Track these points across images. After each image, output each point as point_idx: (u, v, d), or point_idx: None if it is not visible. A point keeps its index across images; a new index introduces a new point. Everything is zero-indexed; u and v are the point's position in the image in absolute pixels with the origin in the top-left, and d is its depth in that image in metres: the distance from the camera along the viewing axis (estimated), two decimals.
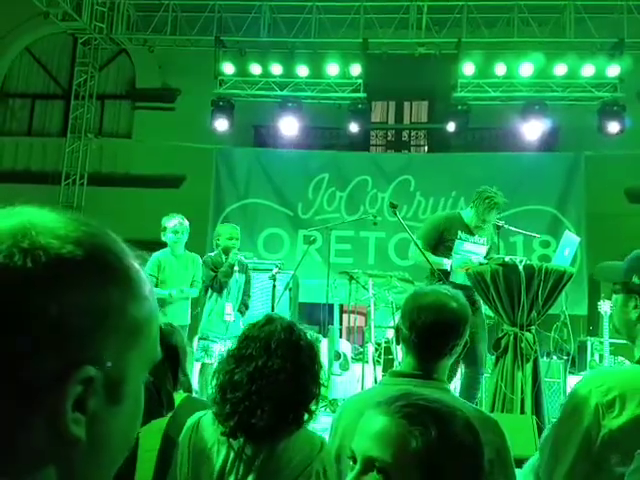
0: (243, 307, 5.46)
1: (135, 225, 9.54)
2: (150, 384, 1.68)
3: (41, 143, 10.69)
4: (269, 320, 1.69)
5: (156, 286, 5.15)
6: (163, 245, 5.55)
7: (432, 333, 1.69)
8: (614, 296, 1.59)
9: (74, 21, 9.36)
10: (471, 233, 4.63)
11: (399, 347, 1.82)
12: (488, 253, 4.62)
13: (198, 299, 5.57)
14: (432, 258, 4.37)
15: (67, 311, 0.50)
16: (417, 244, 4.36)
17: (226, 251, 5.33)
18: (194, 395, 2.56)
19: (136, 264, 0.59)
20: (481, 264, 4.06)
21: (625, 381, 1.46)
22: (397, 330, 1.79)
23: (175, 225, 5.30)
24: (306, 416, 1.63)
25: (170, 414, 2.03)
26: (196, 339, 5.45)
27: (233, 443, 1.60)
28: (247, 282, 5.55)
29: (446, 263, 4.45)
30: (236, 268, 5.32)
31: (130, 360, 0.55)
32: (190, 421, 1.73)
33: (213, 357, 5.25)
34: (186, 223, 5.36)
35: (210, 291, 5.32)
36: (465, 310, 1.75)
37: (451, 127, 8.84)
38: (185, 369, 2.44)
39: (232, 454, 1.59)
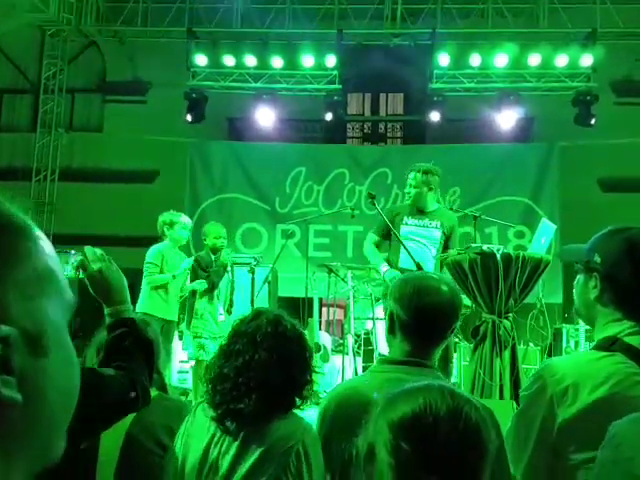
0: (229, 306, 5.53)
1: (109, 221, 9.41)
2: (125, 377, 1.61)
3: (10, 138, 10.43)
4: (256, 315, 1.75)
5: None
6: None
7: (435, 315, 1.68)
8: (577, 277, 1.58)
9: (42, 13, 9.13)
10: (420, 215, 4.60)
11: (388, 338, 1.78)
12: (448, 240, 4.58)
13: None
14: (374, 258, 4.66)
15: None
16: (397, 237, 4.33)
17: (214, 250, 5.38)
18: (168, 396, 2.49)
19: (20, 214, 0.55)
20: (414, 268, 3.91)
21: (578, 369, 1.45)
22: (390, 316, 1.74)
23: (186, 222, 5.43)
24: (298, 401, 1.71)
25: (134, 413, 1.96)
26: (188, 338, 5.46)
27: (220, 426, 1.69)
28: (232, 281, 5.62)
29: (381, 270, 4.51)
30: (228, 269, 5.42)
31: (44, 309, 0.53)
32: (191, 409, 1.82)
33: (210, 354, 5.26)
34: (190, 221, 5.58)
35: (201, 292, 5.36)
36: (458, 292, 1.77)
37: (435, 117, 8.83)
38: (158, 367, 2.37)
39: (219, 432, 1.68)
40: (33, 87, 10.67)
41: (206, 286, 5.31)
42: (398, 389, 1.05)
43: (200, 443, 1.68)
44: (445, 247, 4.56)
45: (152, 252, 5.27)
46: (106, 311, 1.72)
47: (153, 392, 2.13)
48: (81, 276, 1.70)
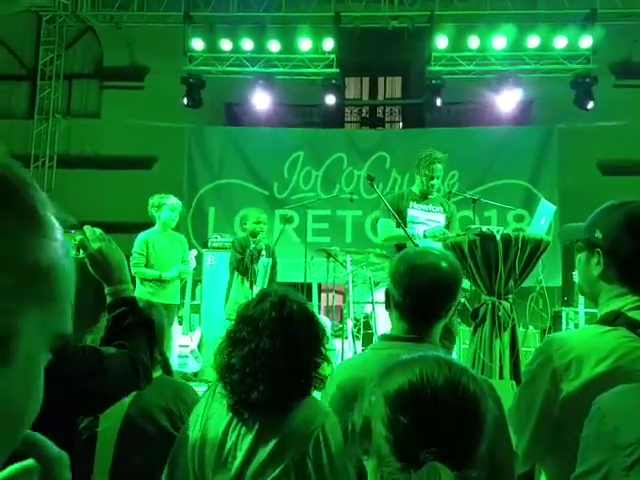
0: None
1: (107, 208, 9.38)
2: (126, 355, 1.62)
3: (7, 125, 10.37)
4: (262, 297, 1.72)
5: (145, 266, 5.17)
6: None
7: (428, 295, 1.64)
8: (578, 255, 1.57)
9: None
10: (424, 201, 4.74)
11: (389, 313, 1.77)
12: (448, 225, 4.68)
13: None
14: (403, 232, 4.33)
15: None
16: (397, 218, 4.31)
17: (253, 234, 5.49)
18: (170, 377, 2.49)
19: (43, 196, 0.48)
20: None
21: (582, 342, 1.44)
22: (387, 295, 1.73)
23: (173, 203, 5.40)
24: (311, 385, 1.68)
25: (135, 393, 1.96)
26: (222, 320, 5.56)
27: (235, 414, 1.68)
28: (273, 267, 5.69)
29: (418, 232, 4.46)
30: (263, 252, 5.46)
31: (25, 314, 0.46)
32: (208, 390, 1.79)
33: None
34: (179, 202, 5.53)
35: (236, 273, 5.49)
36: (458, 270, 1.72)
37: (434, 100, 8.78)
38: (162, 348, 2.38)
39: (235, 419, 1.66)
40: (30, 73, 10.60)
41: (189, 272, 5.43)
42: (393, 361, 1.03)
43: (218, 428, 1.66)
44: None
45: (137, 241, 5.28)
46: (106, 290, 1.73)
47: (155, 373, 2.14)
48: (81, 255, 1.70)
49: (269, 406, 1.62)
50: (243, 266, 5.40)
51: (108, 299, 1.72)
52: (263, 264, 5.53)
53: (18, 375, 0.47)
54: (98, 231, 1.72)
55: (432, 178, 4.70)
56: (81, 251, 1.70)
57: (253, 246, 5.42)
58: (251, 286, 5.44)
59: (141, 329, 1.73)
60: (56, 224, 0.49)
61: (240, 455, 1.61)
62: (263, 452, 1.60)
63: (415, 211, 4.69)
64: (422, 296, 1.65)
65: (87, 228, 1.71)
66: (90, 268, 1.70)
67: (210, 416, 1.70)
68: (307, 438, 1.59)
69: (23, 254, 0.46)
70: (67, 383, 1.34)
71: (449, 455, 0.90)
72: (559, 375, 1.41)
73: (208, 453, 1.64)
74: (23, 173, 0.49)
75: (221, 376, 1.69)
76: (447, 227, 4.69)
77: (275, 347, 1.62)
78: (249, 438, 1.62)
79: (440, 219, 4.69)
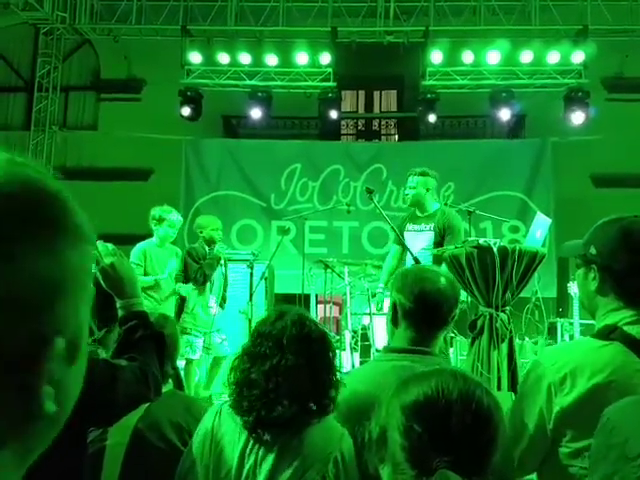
0: (222, 301, 5.41)
1: (103, 220, 9.38)
2: (136, 368, 1.64)
3: (4, 137, 10.38)
4: (280, 315, 1.72)
5: (143, 275, 5.13)
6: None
7: (437, 300, 1.74)
8: (577, 271, 1.61)
9: (36, 11, 9.09)
10: (417, 220, 4.83)
11: (390, 329, 1.82)
12: (442, 238, 4.67)
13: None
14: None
15: (25, 283, 0.44)
16: (396, 231, 4.49)
17: (210, 242, 5.27)
18: (180, 392, 2.50)
19: (76, 206, 0.52)
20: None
21: (577, 356, 1.46)
22: (394, 306, 1.78)
23: (174, 219, 5.29)
24: (329, 405, 1.65)
25: (145, 405, 1.98)
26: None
27: (252, 434, 1.64)
28: (225, 276, 5.51)
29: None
30: (222, 262, 5.31)
31: (83, 315, 0.51)
32: (213, 410, 1.76)
33: (197, 352, 5.18)
34: (180, 219, 5.42)
35: (192, 284, 5.24)
36: (455, 282, 1.86)
37: (432, 118, 8.88)
38: (175, 362, 2.39)
39: (252, 439, 1.63)
40: (27, 85, 10.65)
41: (192, 291, 5.22)
42: (410, 374, 1.07)
43: (234, 450, 1.63)
44: (442, 244, 4.62)
45: (135, 251, 5.18)
46: (118, 304, 1.76)
47: (167, 387, 2.16)
48: (93, 270, 1.73)
49: (290, 424, 1.60)
50: (201, 276, 5.18)
51: (120, 313, 1.75)
52: (222, 273, 5.39)
53: (77, 372, 0.52)
54: (110, 246, 1.76)
55: (406, 189, 4.86)
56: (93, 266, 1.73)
57: (210, 254, 5.23)
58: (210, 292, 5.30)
59: (152, 342, 1.76)
60: (91, 231, 0.53)
61: (262, 476, 1.59)
62: (285, 474, 1.58)
63: (408, 233, 4.76)
64: (432, 302, 1.74)
65: (100, 243, 1.75)
66: (102, 282, 1.73)
67: (222, 436, 1.66)
68: (326, 460, 1.59)
69: (80, 271, 0.50)
70: (80, 393, 1.37)
71: (461, 464, 0.93)
72: (554, 389, 1.42)
73: (224, 475, 1.62)
74: (59, 186, 0.51)
75: (238, 392, 1.67)
76: (441, 241, 4.66)
77: (299, 364, 1.62)
78: (269, 460, 1.60)
79: (428, 237, 4.70)
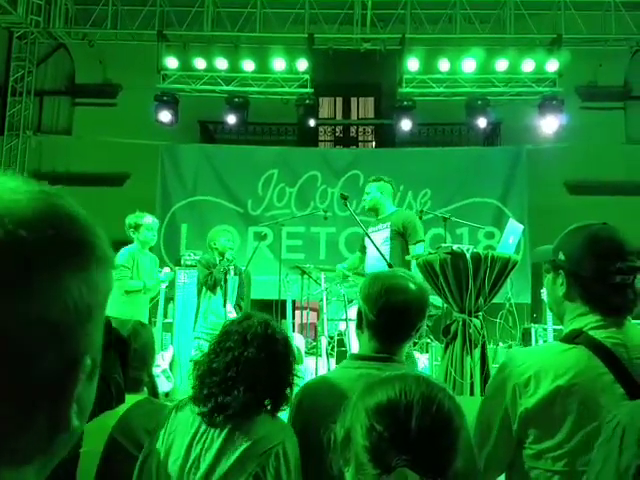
0: (238, 308, 5.64)
1: None
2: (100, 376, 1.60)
3: None
4: (247, 316, 1.82)
5: (130, 279, 5.14)
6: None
7: (402, 314, 1.70)
8: (546, 277, 1.63)
9: (9, 14, 8.97)
10: (375, 222, 5.03)
11: (357, 333, 1.81)
12: (400, 236, 4.82)
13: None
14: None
15: (64, 307, 0.47)
16: (369, 236, 4.55)
17: (223, 254, 5.55)
18: (155, 399, 2.46)
19: (102, 232, 0.56)
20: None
21: (541, 360, 1.48)
22: (359, 313, 1.77)
23: (150, 222, 5.37)
24: (282, 403, 1.74)
25: (120, 412, 1.94)
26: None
27: (206, 419, 1.71)
28: (240, 285, 5.75)
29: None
30: (231, 268, 5.53)
31: (100, 336, 0.55)
32: (173, 404, 1.82)
33: None
34: (156, 220, 5.52)
35: (204, 290, 5.50)
36: (426, 291, 1.78)
37: (406, 125, 8.93)
38: (150, 369, 2.35)
39: (203, 427, 1.69)
40: (0, 89, 10.48)
41: (140, 287, 5.35)
42: (375, 378, 1.08)
43: (183, 439, 1.69)
44: (405, 242, 4.80)
45: (123, 255, 5.19)
46: None
47: (142, 395, 2.12)
48: None
49: (242, 411, 1.66)
50: (211, 280, 5.43)
51: None
52: (234, 281, 5.59)
53: (94, 385, 0.56)
54: None
55: (363, 195, 5.06)
56: None
57: (226, 262, 5.46)
58: (224, 304, 5.44)
59: (113, 349, 1.73)
60: (113, 255, 0.56)
61: (203, 467, 1.64)
62: (226, 464, 1.63)
63: (372, 234, 4.88)
64: (396, 316, 1.69)
65: None
66: None
67: (176, 426, 1.72)
68: (268, 452, 1.63)
69: (103, 293, 0.53)
70: None
71: (421, 464, 0.95)
72: (518, 391, 1.45)
73: (171, 465, 1.67)
74: (86, 214, 0.55)
75: (200, 381, 1.73)
76: (400, 238, 4.80)
77: (259, 357, 1.70)
78: (216, 446, 1.66)
79: (385, 235, 4.87)
